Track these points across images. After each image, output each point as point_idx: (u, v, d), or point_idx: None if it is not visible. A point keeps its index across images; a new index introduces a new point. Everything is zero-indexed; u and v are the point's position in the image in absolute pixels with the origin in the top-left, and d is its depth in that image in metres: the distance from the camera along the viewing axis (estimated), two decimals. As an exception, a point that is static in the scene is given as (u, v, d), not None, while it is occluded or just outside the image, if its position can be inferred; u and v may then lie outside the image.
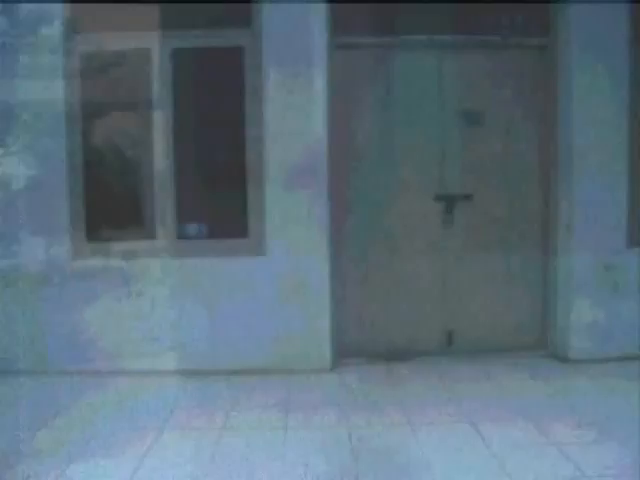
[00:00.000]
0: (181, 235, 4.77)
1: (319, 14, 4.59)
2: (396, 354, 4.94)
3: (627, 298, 4.86)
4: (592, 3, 4.70)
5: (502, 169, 5.00)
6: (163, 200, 4.71)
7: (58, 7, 4.58)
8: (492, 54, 4.93)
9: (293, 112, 4.62)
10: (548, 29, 4.94)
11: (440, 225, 4.99)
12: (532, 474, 3.08)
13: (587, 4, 4.70)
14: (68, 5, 4.62)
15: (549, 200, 5.02)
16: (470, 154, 4.97)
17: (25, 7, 4.56)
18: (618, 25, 4.76)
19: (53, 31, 4.56)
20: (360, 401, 4.12)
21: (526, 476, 3.06)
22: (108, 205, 4.75)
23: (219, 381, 4.48)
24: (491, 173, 5.00)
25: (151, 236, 4.73)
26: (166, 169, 4.69)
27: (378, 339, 4.97)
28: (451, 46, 4.90)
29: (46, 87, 4.57)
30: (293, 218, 4.66)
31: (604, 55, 4.75)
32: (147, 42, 4.63)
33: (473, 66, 4.93)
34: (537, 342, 5.08)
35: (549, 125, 4.98)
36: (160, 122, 4.67)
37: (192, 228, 4.81)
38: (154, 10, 4.65)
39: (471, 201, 4.97)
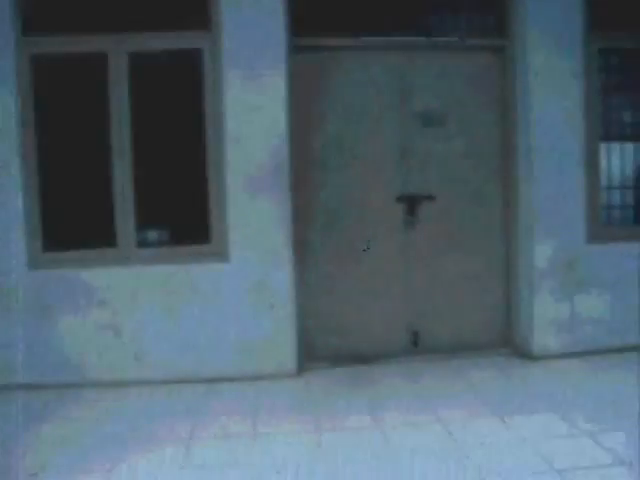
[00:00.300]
0: (142, 242, 4.67)
1: (278, 16, 4.54)
2: (362, 357, 4.93)
3: (588, 293, 4.95)
4: (548, 3, 4.78)
5: (463, 169, 5.04)
6: (122, 207, 4.60)
7: (10, 7, 4.43)
8: (452, 55, 4.97)
9: (254, 115, 4.56)
10: (505, 30, 5.00)
11: (403, 226, 4.99)
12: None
13: (543, 4, 4.78)
14: (21, 5, 4.48)
15: (510, 198, 5.08)
16: (431, 155, 4.99)
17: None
18: (574, 25, 4.85)
19: (4, 32, 4.42)
20: (325, 406, 4.09)
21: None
22: (65, 214, 4.61)
23: (186, 389, 4.40)
24: (453, 173, 5.03)
25: (110, 244, 4.61)
26: (125, 175, 4.58)
27: (344, 342, 4.95)
28: (411, 47, 4.91)
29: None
30: (256, 222, 4.60)
31: (561, 55, 4.83)
32: (103, 45, 4.52)
33: (433, 67, 4.95)
34: (502, 340, 5.13)
35: (509, 125, 5.04)
36: (118, 127, 4.56)
37: (153, 235, 4.72)
38: (111, 13, 4.54)
39: (433, 201, 4.98)
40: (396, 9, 4.89)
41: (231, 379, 4.53)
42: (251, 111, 4.55)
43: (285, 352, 4.66)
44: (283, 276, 4.64)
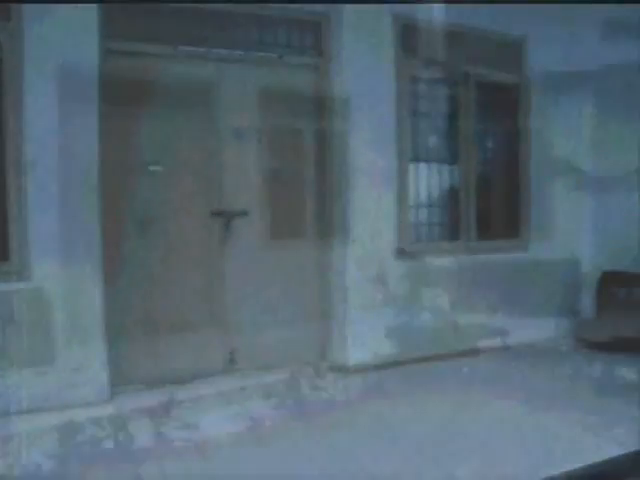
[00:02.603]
0: None
1: (90, 16, 4.21)
2: (178, 378, 4.71)
3: (396, 306, 5.19)
4: (362, 31, 4.98)
5: (278, 185, 5.06)
6: None
7: None
8: (270, 71, 4.98)
9: (60, 123, 4.15)
10: (322, 51, 5.11)
11: (217, 242, 4.88)
12: None
13: (358, 31, 4.97)
14: None
15: (324, 215, 5.17)
16: (247, 170, 4.94)
17: None
18: (387, 53, 5.12)
19: None
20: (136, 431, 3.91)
21: None
22: None
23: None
24: (268, 189, 5.02)
25: None
26: None
27: (159, 364, 4.69)
28: (229, 60, 4.84)
29: None
30: (62, 239, 4.19)
31: (374, 79, 5.06)
32: None
33: (251, 82, 4.92)
34: (319, 354, 5.21)
35: (325, 143, 5.14)
36: None
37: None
38: None
39: (247, 217, 4.92)
40: (216, 22, 4.78)
41: (38, 410, 4.06)
42: (58, 119, 4.13)
43: (96, 377, 4.30)
44: (93, 297, 4.29)
